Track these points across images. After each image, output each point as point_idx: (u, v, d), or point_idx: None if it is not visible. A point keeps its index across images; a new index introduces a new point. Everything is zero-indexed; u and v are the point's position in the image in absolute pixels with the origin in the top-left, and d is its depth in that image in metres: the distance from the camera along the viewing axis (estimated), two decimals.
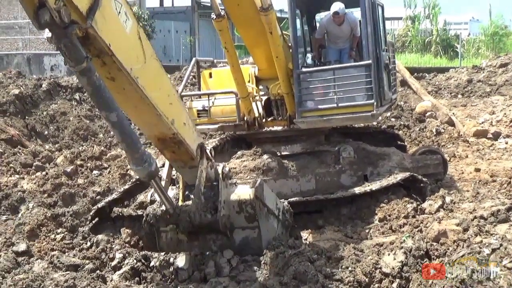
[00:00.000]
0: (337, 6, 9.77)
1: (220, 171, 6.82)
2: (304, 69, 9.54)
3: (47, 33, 4.58)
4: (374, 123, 13.78)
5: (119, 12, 5.04)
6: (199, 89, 10.97)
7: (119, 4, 5.05)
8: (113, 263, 7.10)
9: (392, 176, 9.28)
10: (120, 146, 9.56)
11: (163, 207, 6.55)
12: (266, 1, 8.30)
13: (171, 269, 6.58)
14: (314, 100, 9.54)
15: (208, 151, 6.66)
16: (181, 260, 6.48)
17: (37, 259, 7.64)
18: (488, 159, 12.34)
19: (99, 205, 8.88)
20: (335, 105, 9.33)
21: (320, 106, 9.47)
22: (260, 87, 10.23)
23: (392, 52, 12.33)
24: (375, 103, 9.09)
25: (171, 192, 7.03)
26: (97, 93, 4.96)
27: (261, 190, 7.01)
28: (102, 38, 4.76)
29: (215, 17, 8.87)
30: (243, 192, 6.89)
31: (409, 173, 9.40)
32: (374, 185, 9.09)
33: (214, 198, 6.71)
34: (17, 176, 11.94)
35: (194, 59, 11.26)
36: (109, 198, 9.08)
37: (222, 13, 8.82)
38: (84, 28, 4.61)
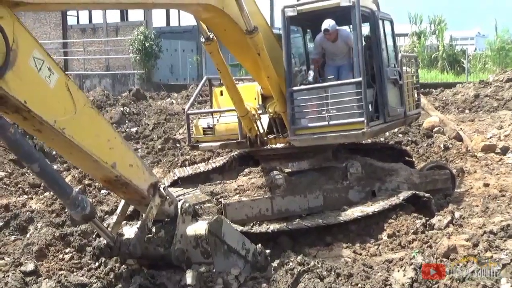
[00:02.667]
0: (327, 24, 9.71)
1: (179, 206, 6.81)
2: (295, 88, 9.55)
3: None
4: (382, 138, 13.78)
5: (40, 69, 5.12)
6: (211, 107, 11.09)
7: (39, 61, 5.13)
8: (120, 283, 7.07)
9: (395, 197, 9.23)
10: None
11: (105, 241, 6.63)
12: (250, 24, 8.31)
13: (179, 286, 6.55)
14: (306, 118, 9.53)
15: (162, 189, 6.63)
16: (189, 277, 6.45)
17: (45, 279, 7.62)
18: (497, 174, 12.28)
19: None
20: (326, 123, 9.32)
21: (312, 124, 9.45)
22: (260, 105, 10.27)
23: (416, 67, 12.30)
24: (365, 121, 9.05)
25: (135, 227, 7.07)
26: (14, 147, 5.17)
27: (217, 226, 6.91)
28: (14, 97, 4.83)
29: (204, 40, 8.95)
30: (199, 227, 6.82)
31: (411, 192, 9.35)
32: (376, 207, 9.03)
33: (172, 232, 6.73)
34: (26, 196, 11.98)
35: (205, 77, 11.40)
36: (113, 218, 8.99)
37: (211, 36, 8.91)
38: None
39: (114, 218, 7.00)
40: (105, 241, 6.61)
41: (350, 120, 9.20)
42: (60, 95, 5.37)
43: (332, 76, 10.03)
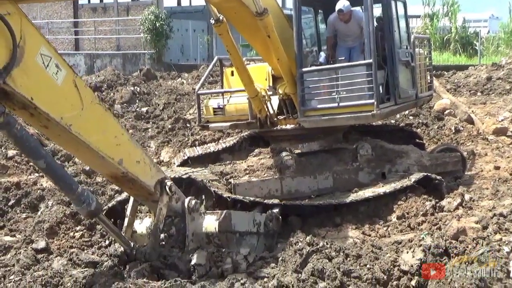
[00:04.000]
0: (341, 4, 9.68)
1: (186, 204, 6.86)
2: (305, 69, 9.50)
3: None
4: (392, 120, 13.73)
5: (47, 65, 5.15)
6: (222, 87, 11.10)
7: (47, 58, 5.15)
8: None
9: (406, 178, 9.20)
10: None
11: (122, 248, 6.71)
12: (260, 6, 8.29)
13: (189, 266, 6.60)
14: (316, 99, 9.52)
15: (169, 186, 6.66)
16: (198, 257, 6.50)
17: (56, 256, 7.72)
18: (508, 157, 12.20)
19: (110, 204, 8.89)
20: (336, 104, 9.29)
21: (322, 106, 9.44)
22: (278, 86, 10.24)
23: (429, 48, 12.21)
24: (375, 103, 9.02)
25: (148, 220, 7.21)
26: (20, 143, 5.21)
27: (227, 222, 7.04)
28: (21, 93, 4.88)
29: (213, 22, 8.91)
30: (209, 224, 6.93)
31: (422, 173, 9.32)
32: (387, 187, 9.02)
33: (183, 231, 6.87)
34: (37, 174, 12.04)
35: (216, 57, 11.36)
36: (120, 198, 9.06)
37: (221, 18, 8.86)
38: None
39: (125, 221, 7.08)
40: (122, 249, 6.70)
41: (360, 102, 9.18)
42: (67, 91, 5.42)
43: (343, 58, 9.98)
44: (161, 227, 6.65)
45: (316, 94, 9.53)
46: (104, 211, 8.73)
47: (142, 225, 7.31)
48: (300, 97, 9.44)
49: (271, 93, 10.09)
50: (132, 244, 6.70)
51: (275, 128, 10.20)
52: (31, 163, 12.64)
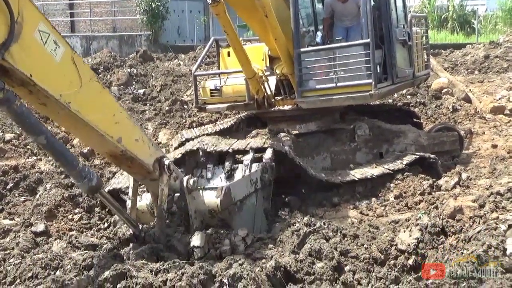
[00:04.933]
0: None
1: (185, 184, 6.88)
2: (303, 49, 9.47)
3: None
4: (390, 100, 13.72)
5: (45, 42, 5.11)
6: (218, 68, 11.06)
7: (45, 34, 5.11)
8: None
9: (399, 160, 9.22)
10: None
11: (130, 231, 6.70)
12: None
13: (187, 247, 6.64)
14: (313, 79, 9.49)
15: (168, 164, 6.67)
16: (196, 239, 6.52)
17: (55, 239, 7.74)
18: (505, 135, 12.22)
19: (108, 188, 8.89)
20: (334, 84, 9.28)
21: (319, 86, 9.43)
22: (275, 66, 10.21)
23: (426, 27, 12.17)
24: (373, 83, 9.00)
25: (147, 196, 7.29)
26: (20, 120, 5.17)
27: (228, 197, 7.11)
28: (20, 70, 4.84)
29: (210, 2, 8.83)
30: (210, 201, 7.02)
31: (415, 156, 9.33)
32: (378, 170, 9.06)
33: (185, 208, 6.94)
34: (35, 157, 12.05)
35: (212, 38, 11.30)
36: (114, 184, 9.07)
37: None
38: None
39: (128, 202, 7.07)
40: (130, 231, 6.70)
41: (358, 82, 9.16)
42: (66, 69, 5.38)
43: (341, 38, 9.94)
44: (165, 207, 6.66)
45: (313, 75, 9.50)
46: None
47: (142, 202, 7.36)
48: (298, 78, 9.42)
49: (268, 73, 10.06)
50: (140, 226, 6.71)
51: (272, 109, 10.18)
52: (28, 146, 12.66)
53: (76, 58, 5.49)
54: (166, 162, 6.65)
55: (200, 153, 8.66)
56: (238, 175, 8.17)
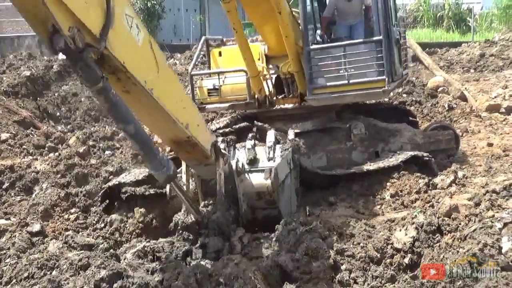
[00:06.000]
0: None
1: (234, 166, 6.95)
2: (313, 47, 9.48)
3: (61, 56, 4.50)
4: (386, 99, 13.73)
5: (131, 26, 4.89)
6: (209, 68, 10.94)
7: (130, 18, 4.88)
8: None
9: (393, 158, 9.25)
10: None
11: (192, 217, 6.65)
12: None
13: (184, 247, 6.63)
14: (325, 77, 9.49)
15: (220, 148, 6.70)
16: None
17: (51, 239, 7.72)
18: (501, 134, 12.26)
19: (110, 184, 8.91)
20: (346, 81, 9.29)
21: (331, 83, 9.42)
22: (270, 66, 10.20)
23: (404, 27, 12.21)
24: (386, 79, 9.05)
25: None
26: (114, 109, 4.89)
27: (277, 180, 7.16)
28: (116, 57, 4.64)
29: None
30: (259, 183, 7.07)
31: (409, 154, 9.33)
32: (374, 166, 9.10)
33: (233, 192, 7.00)
34: (31, 157, 12.03)
35: (203, 38, 11.20)
36: (118, 179, 9.06)
37: None
38: (99, 50, 4.48)
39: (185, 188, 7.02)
40: (192, 218, 6.67)
41: (371, 79, 9.20)
42: (146, 54, 5.19)
43: (344, 36, 10.00)
44: (223, 191, 6.65)
45: (324, 72, 9.50)
46: (102, 192, 8.83)
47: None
48: (308, 75, 9.43)
49: (273, 71, 10.07)
50: (202, 213, 6.66)
51: (273, 108, 10.17)
52: (24, 146, 12.64)
53: (153, 42, 5.29)
54: (222, 146, 6.65)
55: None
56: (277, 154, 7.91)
